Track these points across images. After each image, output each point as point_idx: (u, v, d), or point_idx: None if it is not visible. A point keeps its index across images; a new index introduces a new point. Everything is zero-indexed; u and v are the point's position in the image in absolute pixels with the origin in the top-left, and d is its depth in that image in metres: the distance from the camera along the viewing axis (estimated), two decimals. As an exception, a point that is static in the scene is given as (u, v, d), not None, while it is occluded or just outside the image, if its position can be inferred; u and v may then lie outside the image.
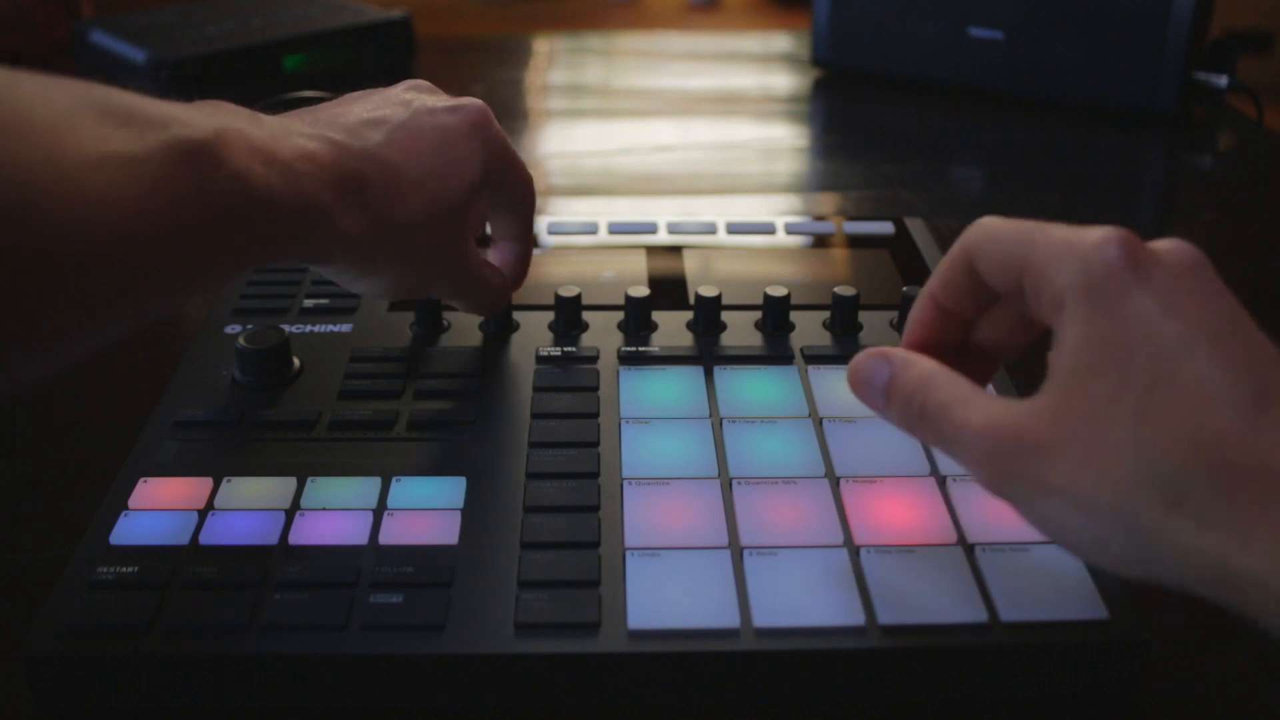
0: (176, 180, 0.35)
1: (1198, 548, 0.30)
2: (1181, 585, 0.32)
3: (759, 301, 0.57)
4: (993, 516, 0.43)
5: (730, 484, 0.45)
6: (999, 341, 0.40)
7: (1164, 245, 0.34)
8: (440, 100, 0.47)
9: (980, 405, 0.35)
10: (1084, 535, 0.33)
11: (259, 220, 0.38)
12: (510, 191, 0.51)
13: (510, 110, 1.05)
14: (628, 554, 0.42)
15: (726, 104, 1.06)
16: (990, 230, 0.37)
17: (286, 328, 0.55)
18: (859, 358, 0.39)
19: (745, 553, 0.42)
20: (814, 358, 0.54)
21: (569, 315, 0.56)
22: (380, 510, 0.44)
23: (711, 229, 0.67)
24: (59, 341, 0.34)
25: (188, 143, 0.35)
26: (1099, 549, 0.33)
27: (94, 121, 0.34)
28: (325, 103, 0.46)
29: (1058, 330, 0.34)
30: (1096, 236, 0.33)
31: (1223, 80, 0.94)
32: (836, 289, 0.56)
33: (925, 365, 0.37)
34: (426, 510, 0.44)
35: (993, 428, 0.34)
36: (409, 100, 0.47)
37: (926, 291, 0.40)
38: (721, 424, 0.49)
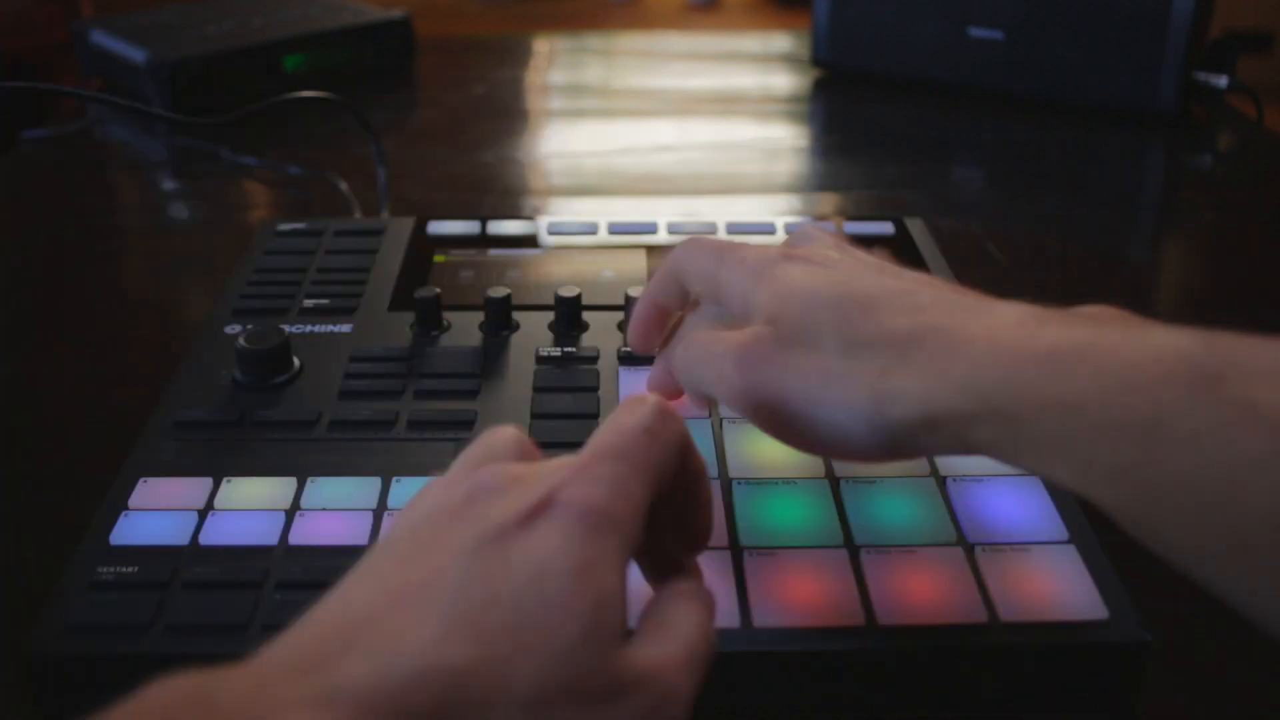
0: None
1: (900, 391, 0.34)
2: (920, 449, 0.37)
3: (759, 301, 0.57)
4: (993, 516, 0.43)
5: (730, 484, 0.45)
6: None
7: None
8: (514, 506, 0.31)
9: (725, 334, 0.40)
10: (817, 419, 0.37)
11: None
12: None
13: (510, 110, 1.05)
14: (628, 554, 0.42)
15: (726, 104, 1.06)
16: (690, 251, 0.43)
17: (286, 328, 0.55)
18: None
19: (745, 553, 0.42)
20: (814, 358, 0.54)
21: (569, 315, 0.56)
22: (380, 510, 0.44)
23: (712, 229, 0.67)
24: None
25: None
26: (838, 433, 0.36)
27: None
28: (363, 575, 0.33)
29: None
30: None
31: (1223, 80, 0.94)
32: (836, 289, 0.56)
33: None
34: (427, 510, 0.44)
35: (738, 337, 0.39)
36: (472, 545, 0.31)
37: (648, 297, 0.46)
38: (721, 424, 0.49)
